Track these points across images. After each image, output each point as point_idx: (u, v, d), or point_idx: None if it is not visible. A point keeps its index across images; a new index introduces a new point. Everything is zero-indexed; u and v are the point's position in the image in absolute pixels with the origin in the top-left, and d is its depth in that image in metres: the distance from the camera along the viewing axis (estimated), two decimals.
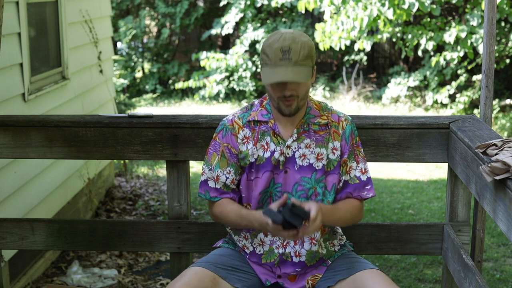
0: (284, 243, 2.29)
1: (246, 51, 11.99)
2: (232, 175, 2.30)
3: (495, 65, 3.03)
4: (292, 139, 2.26)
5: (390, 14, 7.71)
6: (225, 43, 13.84)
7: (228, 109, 11.26)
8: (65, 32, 4.70)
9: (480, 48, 8.40)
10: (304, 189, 2.27)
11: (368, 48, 9.04)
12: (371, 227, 2.81)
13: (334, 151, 2.29)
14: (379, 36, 8.86)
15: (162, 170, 6.92)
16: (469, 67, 9.87)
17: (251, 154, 2.28)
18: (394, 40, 10.17)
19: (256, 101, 2.35)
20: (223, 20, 11.97)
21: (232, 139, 2.30)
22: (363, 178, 2.31)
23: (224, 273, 2.25)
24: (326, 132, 2.29)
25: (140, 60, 13.06)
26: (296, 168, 2.26)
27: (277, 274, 2.31)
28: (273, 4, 10.47)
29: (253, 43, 12.01)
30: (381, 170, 7.10)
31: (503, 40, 9.71)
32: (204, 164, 2.33)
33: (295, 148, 2.26)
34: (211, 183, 2.32)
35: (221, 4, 12.28)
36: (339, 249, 2.39)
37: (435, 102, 10.70)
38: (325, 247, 2.34)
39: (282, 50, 2.09)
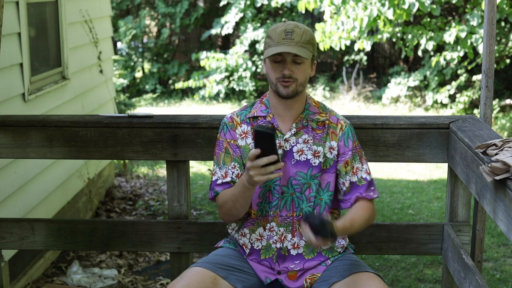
0: (282, 238, 2.30)
1: (246, 51, 11.99)
2: (237, 170, 2.32)
3: (495, 65, 3.02)
4: (291, 133, 2.29)
5: (390, 14, 7.71)
6: (225, 43, 13.83)
7: (228, 109, 11.25)
8: (65, 32, 4.70)
9: (480, 48, 8.39)
10: (299, 183, 2.29)
11: (368, 48, 9.03)
12: (371, 227, 2.81)
13: (331, 150, 2.32)
14: (379, 36, 8.85)
15: (162, 170, 6.92)
16: (469, 67, 9.87)
17: (250, 149, 2.30)
18: (394, 40, 10.17)
19: (257, 100, 2.41)
20: (223, 20, 11.96)
21: (233, 134, 2.34)
22: (369, 178, 2.34)
23: (225, 273, 2.25)
24: (323, 131, 2.32)
25: (140, 60, 13.06)
26: (292, 162, 2.29)
27: (277, 270, 2.32)
28: (273, 4, 10.47)
29: (253, 43, 12.01)
30: (381, 170, 7.10)
31: (503, 40, 9.71)
32: (214, 165, 2.36)
33: (293, 142, 2.29)
34: (219, 182, 2.34)
35: (221, 4, 12.28)
36: (341, 251, 2.39)
37: (435, 102, 10.70)
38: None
39: (285, 32, 2.19)
